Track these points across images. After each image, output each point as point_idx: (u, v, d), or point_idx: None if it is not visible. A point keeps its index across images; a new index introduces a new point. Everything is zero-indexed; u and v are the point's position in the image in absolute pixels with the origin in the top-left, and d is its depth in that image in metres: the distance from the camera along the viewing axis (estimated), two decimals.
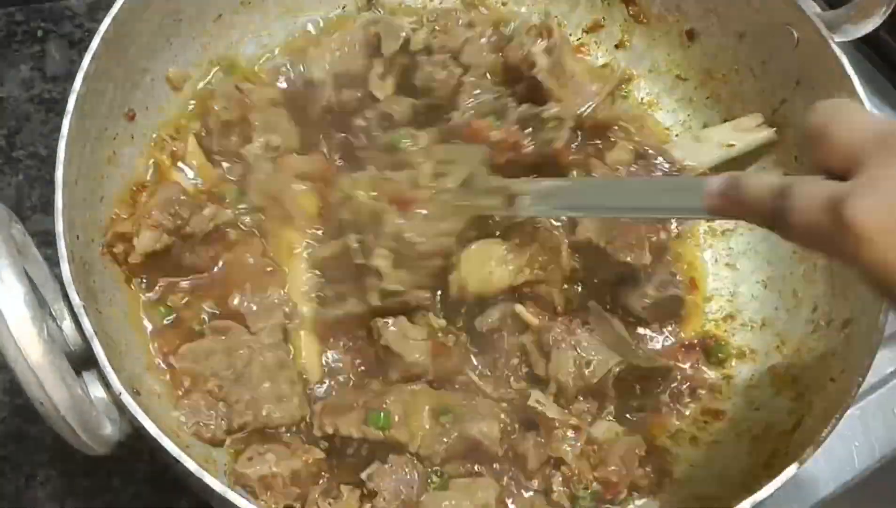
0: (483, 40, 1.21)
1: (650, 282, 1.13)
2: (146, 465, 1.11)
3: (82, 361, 0.87)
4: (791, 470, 0.88)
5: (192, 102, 1.21)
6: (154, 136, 1.16)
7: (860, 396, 1.03)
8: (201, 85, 1.22)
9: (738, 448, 1.06)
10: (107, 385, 0.85)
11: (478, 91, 1.19)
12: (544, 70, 1.17)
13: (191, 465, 0.82)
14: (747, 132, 1.23)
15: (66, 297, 0.87)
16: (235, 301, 1.07)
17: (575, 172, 1.17)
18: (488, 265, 1.08)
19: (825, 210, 0.66)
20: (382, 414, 0.97)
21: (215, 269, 1.10)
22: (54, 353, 0.76)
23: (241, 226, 1.12)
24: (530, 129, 1.16)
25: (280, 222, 1.13)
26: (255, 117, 1.15)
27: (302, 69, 1.15)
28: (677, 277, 1.17)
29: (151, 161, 1.14)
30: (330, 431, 0.98)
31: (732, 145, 1.22)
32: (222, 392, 1.01)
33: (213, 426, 1.00)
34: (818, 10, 1.14)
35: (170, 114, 1.18)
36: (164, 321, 1.06)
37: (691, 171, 1.18)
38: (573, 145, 1.19)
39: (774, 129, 1.21)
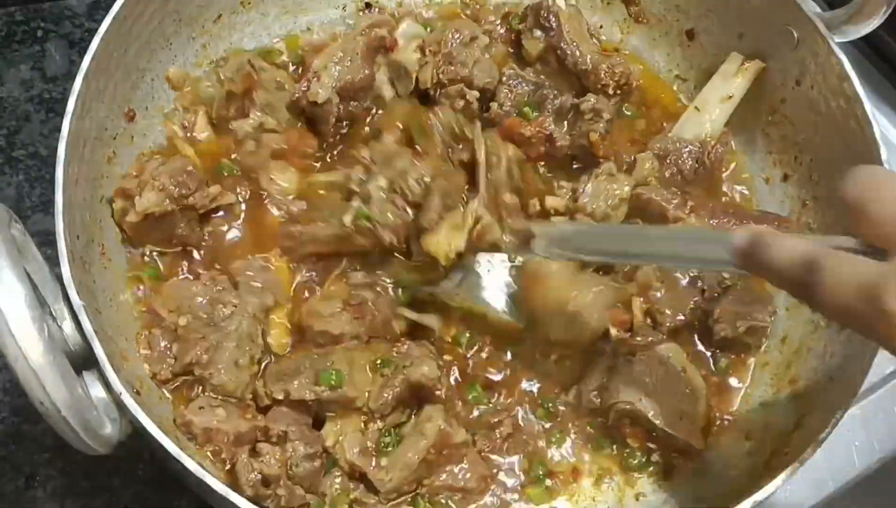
0: (488, 56, 1.22)
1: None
2: (146, 465, 1.11)
3: (82, 361, 0.87)
4: (791, 470, 0.88)
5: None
6: (168, 108, 1.18)
7: (860, 396, 1.03)
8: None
9: (737, 448, 1.06)
10: (107, 385, 0.85)
11: (516, 81, 1.21)
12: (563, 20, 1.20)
13: (191, 465, 0.82)
14: (736, 76, 1.24)
15: (66, 297, 0.87)
16: (236, 265, 1.08)
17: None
18: (566, 293, 1.06)
19: (861, 295, 0.64)
20: (334, 373, 0.99)
21: (203, 246, 1.11)
22: (55, 353, 0.76)
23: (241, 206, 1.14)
24: (566, 121, 1.19)
25: (259, 200, 1.14)
26: (258, 96, 1.16)
27: (305, 87, 1.15)
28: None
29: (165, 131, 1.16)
30: (280, 397, 0.99)
31: (731, 97, 1.23)
32: (187, 328, 1.01)
33: (164, 365, 1.00)
34: (818, 10, 1.14)
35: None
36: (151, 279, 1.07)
37: (711, 140, 1.20)
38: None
39: (756, 59, 1.22)
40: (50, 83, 1.37)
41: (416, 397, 1.03)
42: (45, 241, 0.92)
